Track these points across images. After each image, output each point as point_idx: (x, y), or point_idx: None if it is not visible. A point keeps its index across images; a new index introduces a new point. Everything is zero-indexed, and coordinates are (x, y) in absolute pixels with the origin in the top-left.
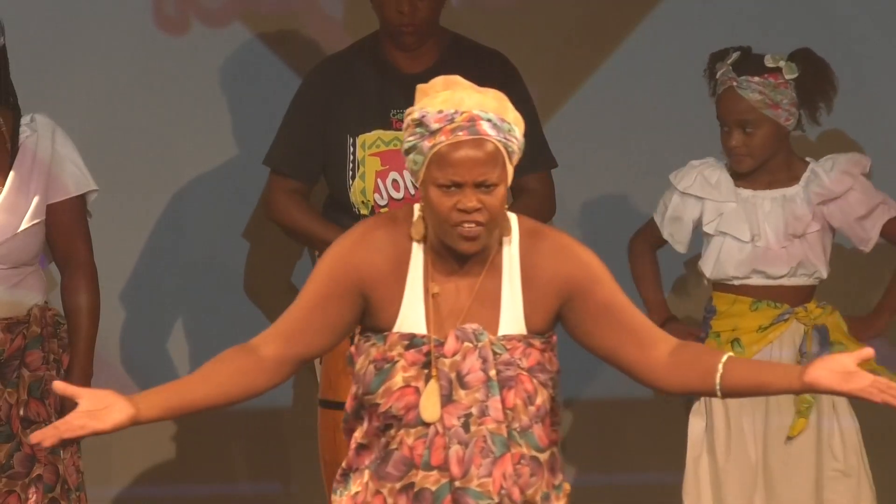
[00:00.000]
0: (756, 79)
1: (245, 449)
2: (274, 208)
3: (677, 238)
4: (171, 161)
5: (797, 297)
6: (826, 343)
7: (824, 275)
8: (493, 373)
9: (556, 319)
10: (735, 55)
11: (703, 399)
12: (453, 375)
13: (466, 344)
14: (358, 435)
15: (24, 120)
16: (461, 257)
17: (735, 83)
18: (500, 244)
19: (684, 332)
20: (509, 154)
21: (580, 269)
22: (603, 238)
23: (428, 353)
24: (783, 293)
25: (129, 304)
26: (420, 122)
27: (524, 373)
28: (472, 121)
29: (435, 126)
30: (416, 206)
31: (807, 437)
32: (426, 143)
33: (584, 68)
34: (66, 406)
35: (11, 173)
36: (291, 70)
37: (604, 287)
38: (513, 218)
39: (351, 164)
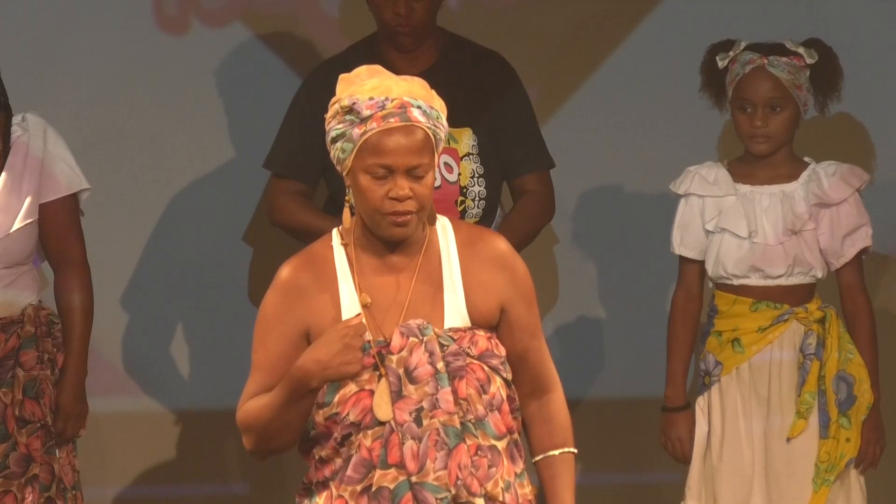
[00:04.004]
0: (784, 59)
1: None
2: (277, 211)
3: (690, 245)
4: (171, 160)
5: (796, 296)
6: (851, 393)
7: (820, 275)
8: (440, 365)
9: (498, 319)
10: (744, 42)
11: (705, 394)
12: (401, 371)
13: (412, 339)
14: (317, 450)
15: (16, 119)
16: (392, 251)
17: (765, 61)
18: (436, 239)
19: (684, 429)
20: (437, 141)
21: (516, 281)
22: (602, 238)
23: (376, 355)
24: (782, 293)
25: (128, 304)
26: (350, 110)
27: (475, 361)
28: (404, 107)
29: (367, 112)
30: (334, 231)
31: (807, 438)
32: (356, 131)
33: (584, 68)
34: (60, 406)
35: (3, 173)
36: (291, 70)
37: (530, 311)
38: (445, 220)
39: None
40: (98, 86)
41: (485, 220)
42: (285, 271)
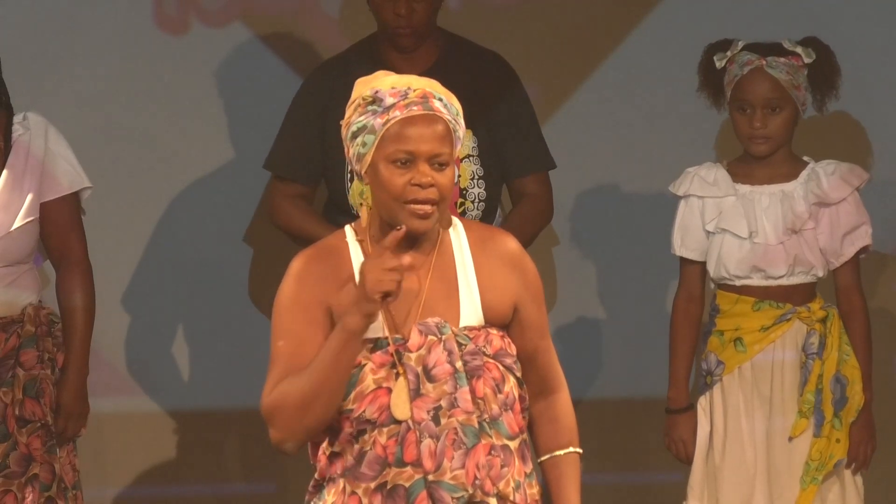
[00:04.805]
0: (782, 59)
1: (240, 449)
2: (277, 214)
3: (690, 246)
4: (171, 160)
5: (798, 296)
6: (844, 394)
7: (821, 273)
8: (459, 364)
9: (511, 318)
10: (741, 42)
11: (707, 394)
12: (420, 369)
13: (430, 337)
14: (327, 445)
15: (17, 118)
16: (407, 249)
17: (764, 62)
18: (449, 238)
19: (685, 431)
20: (455, 137)
21: (527, 281)
22: (601, 238)
23: (394, 353)
24: (784, 293)
25: (128, 304)
26: (373, 100)
27: (490, 360)
28: (426, 97)
29: (390, 101)
30: (346, 227)
31: (807, 437)
32: (378, 121)
33: (584, 68)
34: (61, 406)
35: (5, 172)
36: (291, 70)
37: (540, 310)
38: (455, 218)
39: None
40: (98, 85)
41: (484, 221)
42: (299, 262)
